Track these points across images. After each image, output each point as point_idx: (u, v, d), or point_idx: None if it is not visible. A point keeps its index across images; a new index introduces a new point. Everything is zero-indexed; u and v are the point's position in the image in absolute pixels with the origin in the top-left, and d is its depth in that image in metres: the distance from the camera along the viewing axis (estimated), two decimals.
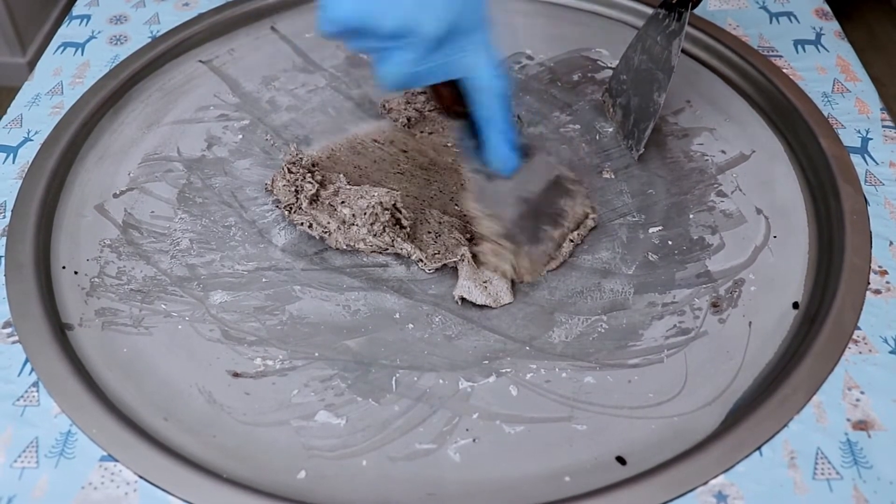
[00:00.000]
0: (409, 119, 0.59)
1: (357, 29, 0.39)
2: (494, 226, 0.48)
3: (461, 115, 0.46)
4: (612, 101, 0.60)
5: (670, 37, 0.54)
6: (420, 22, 0.38)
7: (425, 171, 0.56)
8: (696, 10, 0.68)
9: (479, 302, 0.47)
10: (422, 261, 0.49)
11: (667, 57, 0.54)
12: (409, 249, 0.50)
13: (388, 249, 0.50)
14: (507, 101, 0.44)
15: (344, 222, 0.50)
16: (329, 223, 0.50)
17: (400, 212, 0.50)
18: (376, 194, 0.49)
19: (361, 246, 0.50)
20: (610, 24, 0.69)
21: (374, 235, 0.49)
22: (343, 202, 0.50)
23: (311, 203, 0.51)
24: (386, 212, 0.49)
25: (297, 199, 0.51)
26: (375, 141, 0.59)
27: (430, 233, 0.51)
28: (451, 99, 0.45)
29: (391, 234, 0.50)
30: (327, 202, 0.51)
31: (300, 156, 0.52)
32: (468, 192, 0.49)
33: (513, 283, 0.49)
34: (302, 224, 0.51)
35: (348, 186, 0.51)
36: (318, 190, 0.51)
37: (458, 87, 0.44)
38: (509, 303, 0.48)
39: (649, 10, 0.61)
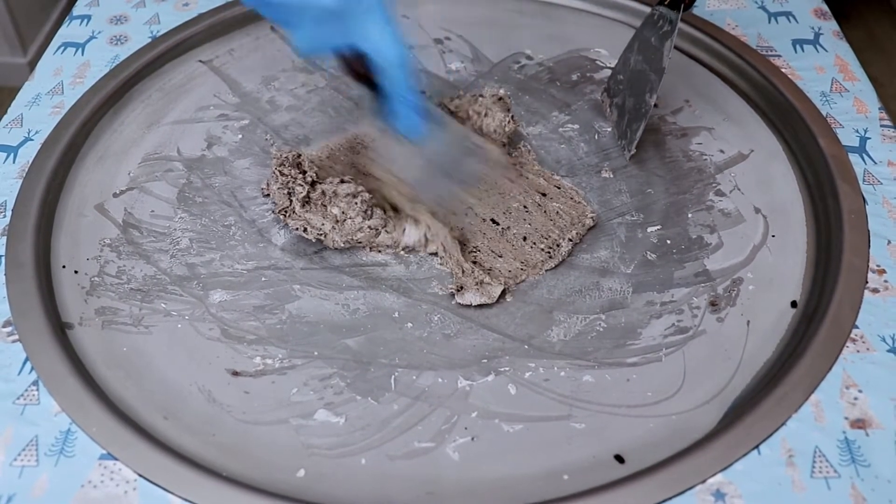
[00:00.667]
0: None
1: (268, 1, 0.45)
2: (402, 188, 0.51)
3: (369, 82, 0.48)
4: (610, 101, 0.61)
5: (663, 38, 0.54)
6: None
7: None
8: (695, 10, 0.69)
9: (474, 303, 0.47)
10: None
11: (659, 58, 0.54)
12: (398, 233, 0.50)
13: (385, 242, 0.50)
14: (406, 70, 0.46)
15: (337, 220, 0.50)
16: (323, 224, 0.50)
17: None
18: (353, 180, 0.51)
19: (359, 236, 0.50)
20: (609, 25, 0.69)
21: (367, 219, 0.50)
22: (331, 201, 0.51)
23: (303, 206, 0.51)
24: (365, 191, 0.50)
25: (291, 202, 0.51)
26: (375, 141, 0.59)
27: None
28: (358, 67, 0.48)
29: (382, 218, 0.50)
30: (319, 202, 0.51)
31: (286, 156, 0.52)
32: (374, 156, 0.52)
33: (512, 282, 0.49)
34: (297, 229, 0.51)
35: (332, 180, 0.51)
36: (308, 192, 0.51)
37: (364, 56, 0.47)
38: (501, 291, 0.48)
39: (648, 11, 0.61)
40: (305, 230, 0.50)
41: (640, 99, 0.56)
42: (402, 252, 0.51)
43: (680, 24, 0.65)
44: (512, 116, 0.57)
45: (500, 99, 0.59)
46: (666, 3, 0.54)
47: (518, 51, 0.67)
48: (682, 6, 0.53)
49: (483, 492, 0.39)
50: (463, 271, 0.48)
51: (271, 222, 0.53)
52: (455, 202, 0.53)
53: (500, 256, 0.50)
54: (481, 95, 0.59)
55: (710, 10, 0.69)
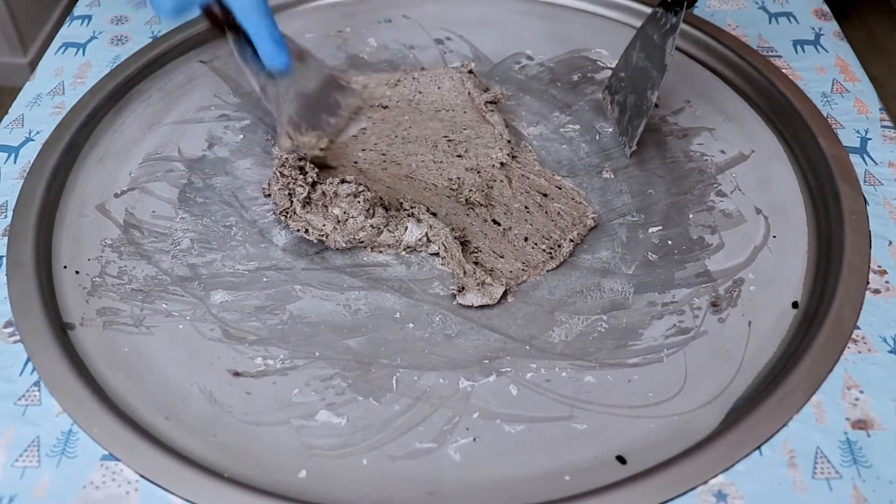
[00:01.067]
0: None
1: None
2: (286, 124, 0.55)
3: (233, 28, 0.52)
4: (611, 99, 0.61)
5: (665, 35, 0.54)
6: None
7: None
8: (696, 11, 0.69)
9: (476, 303, 0.47)
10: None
11: (661, 55, 0.54)
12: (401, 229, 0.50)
13: (387, 241, 0.50)
14: (261, 9, 0.50)
15: (339, 221, 0.50)
16: (324, 225, 0.50)
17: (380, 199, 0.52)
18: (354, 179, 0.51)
19: (361, 235, 0.50)
20: (610, 25, 0.69)
21: (370, 217, 0.50)
22: (332, 202, 0.50)
23: (304, 206, 0.51)
24: (367, 190, 0.50)
25: (292, 202, 0.51)
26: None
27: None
28: (223, 16, 0.52)
29: (384, 216, 0.50)
30: (320, 203, 0.51)
31: (287, 157, 0.52)
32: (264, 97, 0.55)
33: (513, 283, 0.49)
34: (298, 230, 0.51)
35: (332, 180, 0.51)
36: (308, 193, 0.51)
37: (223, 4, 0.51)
38: (502, 292, 0.48)
39: (649, 11, 0.61)
40: (307, 231, 0.50)
41: (642, 96, 0.56)
42: (403, 252, 0.51)
43: (681, 25, 0.66)
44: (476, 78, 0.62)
45: (471, 72, 0.62)
46: (669, 0, 0.54)
47: (518, 51, 0.68)
48: (685, 4, 0.53)
49: (484, 492, 0.39)
50: (464, 272, 0.48)
51: (272, 223, 0.53)
52: (331, 129, 0.58)
53: (502, 257, 0.50)
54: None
55: (710, 10, 0.69)
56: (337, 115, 0.59)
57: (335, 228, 0.50)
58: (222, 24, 0.52)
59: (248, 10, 0.50)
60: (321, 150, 0.56)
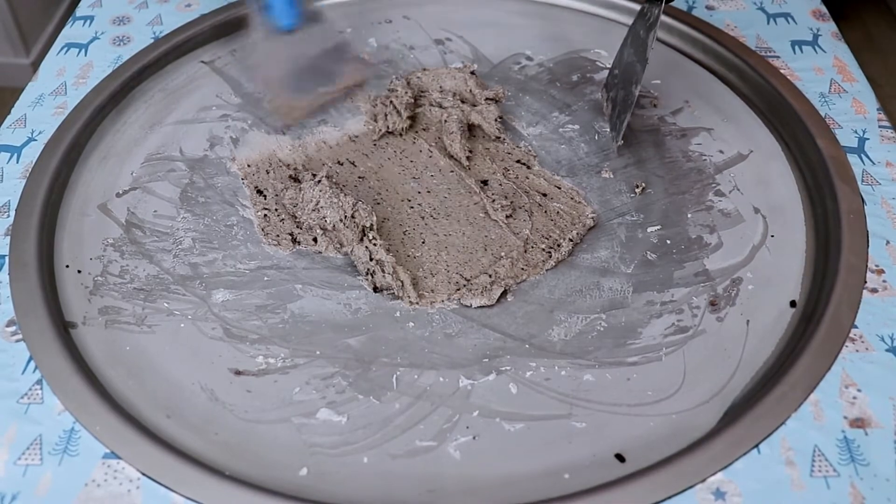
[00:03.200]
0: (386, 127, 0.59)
1: None
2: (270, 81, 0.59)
3: None
4: (606, 96, 0.61)
5: (648, 30, 0.55)
6: None
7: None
8: (694, 11, 0.69)
9: (475, 304, 0.48)
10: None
11: (644, 49, 0.54)
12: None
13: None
14: None
15: (325, 227, 0.51)
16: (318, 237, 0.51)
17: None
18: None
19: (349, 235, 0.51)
20: (608, 25, 0.70)
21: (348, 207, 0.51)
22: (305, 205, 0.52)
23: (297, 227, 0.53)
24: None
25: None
26: (351, 140, 0.59)
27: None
28: None
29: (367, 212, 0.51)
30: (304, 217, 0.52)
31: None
32: (254, 49, 0.59)
33: (512, 282, 0.49)
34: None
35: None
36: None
37: None
38: (501, 291, 0.48)
39: None
40: (315, 240, 0.51)
41: (628, 90, 0.56)
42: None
43: (680, 26, 0.66)
44: (477, 78, 0.62)
45: (473, 73, 0.62)
46: None
47: (518, 51, 0.68)
48: None
49: (484, 490, 0.39)
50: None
51: None
52: (316, 97, 0.60)
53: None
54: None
55: (709, 11, 0.70)
56: (329, 86, 0.59)
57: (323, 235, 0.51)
58: None
59: None
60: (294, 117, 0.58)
